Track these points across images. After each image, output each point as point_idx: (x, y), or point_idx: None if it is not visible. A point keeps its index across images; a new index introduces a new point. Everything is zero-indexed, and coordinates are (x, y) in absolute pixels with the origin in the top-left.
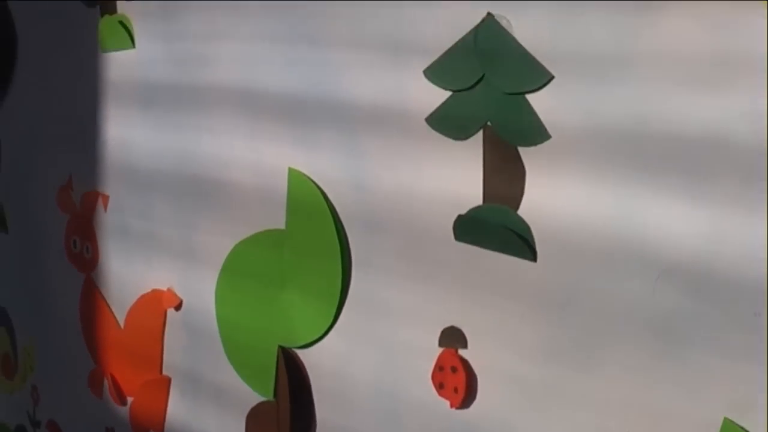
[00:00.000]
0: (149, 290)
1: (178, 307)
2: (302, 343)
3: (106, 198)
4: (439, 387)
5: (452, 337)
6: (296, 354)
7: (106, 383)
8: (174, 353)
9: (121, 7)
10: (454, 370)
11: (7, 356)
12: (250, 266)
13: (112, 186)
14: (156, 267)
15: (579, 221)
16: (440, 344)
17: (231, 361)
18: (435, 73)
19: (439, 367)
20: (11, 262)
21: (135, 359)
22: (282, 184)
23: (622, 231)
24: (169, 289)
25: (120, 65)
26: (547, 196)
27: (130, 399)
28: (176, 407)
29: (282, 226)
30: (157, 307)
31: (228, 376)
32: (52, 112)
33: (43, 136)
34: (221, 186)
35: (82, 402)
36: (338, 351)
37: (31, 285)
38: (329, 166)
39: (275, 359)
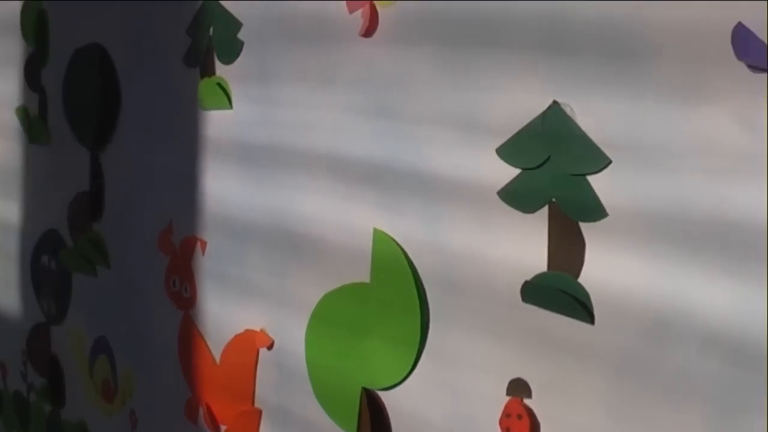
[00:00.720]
0: (243, 330)
1: (270, 347)
2: (383, 386)
3: (204, 243)
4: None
5: (518, 388)
6: (378, 395)
7: (201, 411)
8: (265, 388)
9: (220, 70)
10: (519, 417)
11: (108, 381)
12: (337, 315)
13: (209, 233)
14: (249, 309)
15: (632, 291)
16: (507, 393)
17: (318, 399)
18: (506, 152)
19: (506, 414)
20: (113, 295)
21: (229, 392)
22: (367, 242)
23: (668, 302)
24: (261, 330)
25: (218, 123)
26: (605, 267)
27: (223, 427)
28: None
29: (367, 279)
30: (250, 345)
31: (314, 412)
32: (154, 161)
33: (146, 183)
34: (311, 241)
35: (178, 427)
36: (415, 395)
37: (132, 318)
38: (410, 229)
39: (359, 399)
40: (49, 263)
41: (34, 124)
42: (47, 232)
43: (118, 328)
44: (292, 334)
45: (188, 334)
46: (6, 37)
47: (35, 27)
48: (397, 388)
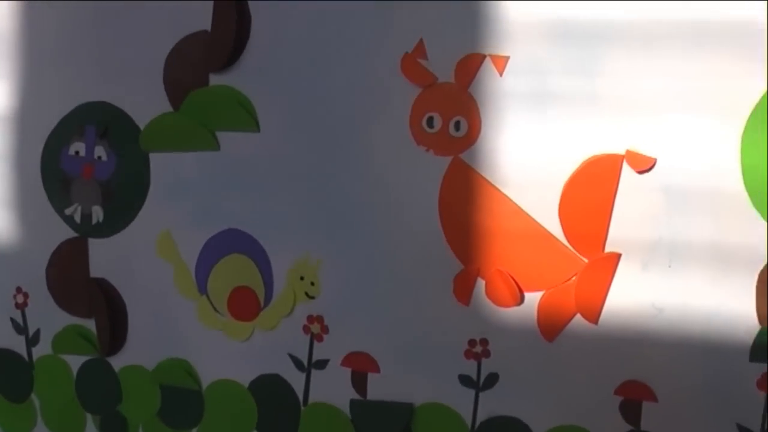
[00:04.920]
0: (590, 157)
1: (647, 169)
2: None
3: (502, 60)
4: None
5: None
6: None
7: (484, 284)
8: (630, 223)
9: None
10: None
11: (246, 290)
12: None
13: (513, 45)
14: (601, 129)
15: None
16: None
17: (760, 208)
18: None
19: None
20: (262, 166)
21: (556, 246)
22: None
23: None
24: (629, 151)
25: None
26: None
27: (536, 294)
28: (629, 282)
29: None
30: (607, 174)
31: (737, 230)
32: None
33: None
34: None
35: (428, 318)
36: None
37: (318, 190)
38: None
39: None
40: (89, 152)
41: None
42: (81, 109)
43: (279, 211)
44: (690, 144)
45: (462, 184)
46: None
47: None
48: None
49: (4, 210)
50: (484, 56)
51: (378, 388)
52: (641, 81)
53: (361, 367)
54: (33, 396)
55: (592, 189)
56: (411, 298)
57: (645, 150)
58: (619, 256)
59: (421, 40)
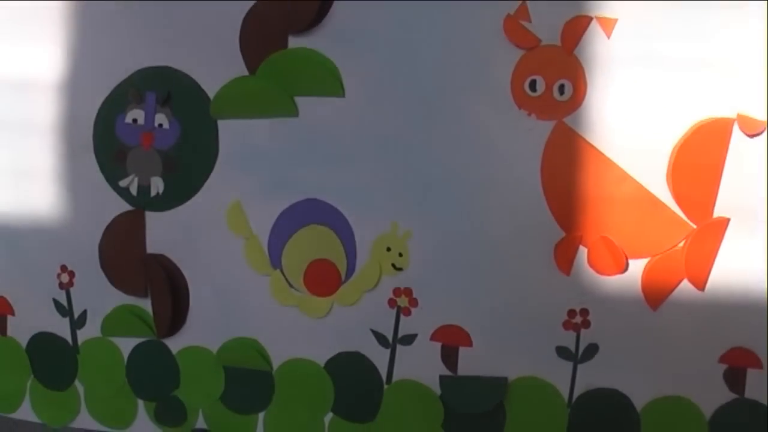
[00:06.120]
0: (700, 121)
1: (758, 133)
2: None
3: (610, 22)
4: None
5: None
6: None
7: (586, 252)
8: (742, 186)
9: None
10: None
11: (323, 264)
12: None
13: (621, 8)
14: (711, 93)
15: None
16: None
17: None
18: None
19: None
20: (353, 134)
21: (664, 211)
22: None
23: None
24: (740, 115)
25: None
26: None
27: (641, 261)
28: (737, 247)
29: None
30: (718, 138)
31: None
32: None
33: None
34: None
35: (525, 288)
36: None
37: (409, 163)
38: None
39: None
40: (149, 120)
41: None
42: (139, 75)
43: (364, 180)
44: None
45: (565, 149)
46: None
47: None
48: None
49: (51, 182)
50: (591, 18)
51: (469, 363)
52: (752, 44)
53: (452, 341)
54: (77, 383)
55: (703, 153)
56: (507, 267)
57: (756, 114)
58: (728, 221)
59: (524, 2)
